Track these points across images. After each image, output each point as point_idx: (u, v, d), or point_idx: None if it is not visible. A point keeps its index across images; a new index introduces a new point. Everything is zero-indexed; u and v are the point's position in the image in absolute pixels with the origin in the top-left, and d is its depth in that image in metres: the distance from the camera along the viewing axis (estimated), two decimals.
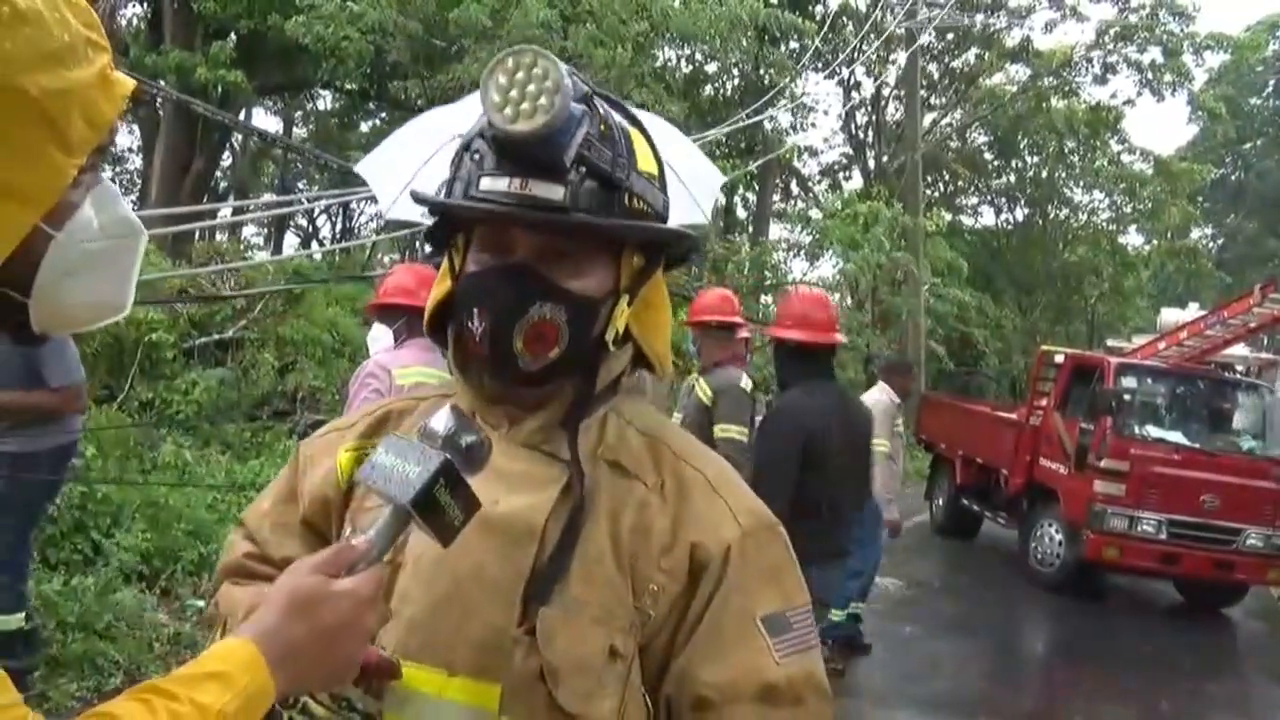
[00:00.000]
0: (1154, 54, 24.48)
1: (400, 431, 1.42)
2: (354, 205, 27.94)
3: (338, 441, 1.47)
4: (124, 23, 16.18)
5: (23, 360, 4.46)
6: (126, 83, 0.99)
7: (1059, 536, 11.02)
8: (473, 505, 1.18)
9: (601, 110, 1.28)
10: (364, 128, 24.70)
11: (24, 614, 4.65)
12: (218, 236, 19.08)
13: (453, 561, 1.28)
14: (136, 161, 25.52)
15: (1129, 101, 25.43)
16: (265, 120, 27.19)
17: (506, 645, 1.26)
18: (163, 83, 13.11)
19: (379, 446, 1.19)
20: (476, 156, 1.28)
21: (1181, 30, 24.20)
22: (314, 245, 27.21)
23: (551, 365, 1.31)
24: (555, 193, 1.23)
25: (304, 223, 29.91)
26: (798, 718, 1.31)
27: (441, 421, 1.21)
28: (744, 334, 6.34)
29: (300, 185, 27.87)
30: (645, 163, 1.32)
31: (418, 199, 1.40)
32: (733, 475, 1.43)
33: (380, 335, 4.62)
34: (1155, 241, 27.49)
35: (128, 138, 25.87)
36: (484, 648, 1.26)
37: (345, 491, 1.43)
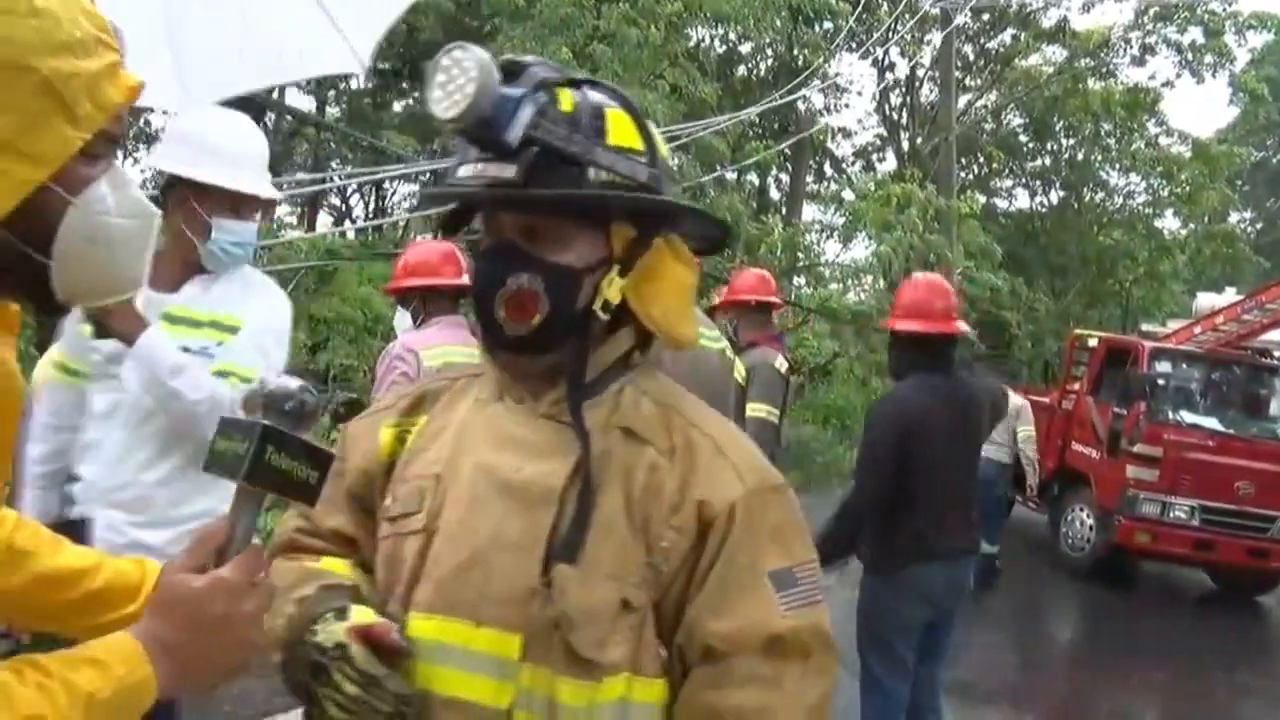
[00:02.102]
0: (1194, 34, 24.13)
1: (436, 411, 1.58)
2: (387, 184, 28.09)
3: (380, 420, 1.60)
4: None
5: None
6: (135, 79, 1.15)
7: (1090, 522, 10.95)
8: (323, 458, 1.25)
9: (555, 93, 1.40)
10: (397, 107, 24.74)
11: None
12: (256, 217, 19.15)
13: (478, 525, 1.42)
14: None
15: (1168, 83, 25.09)
16: (299, 100, 27.28)
17: (526, 598, 1.37)
18: None
19: (214, 433, 1.25)
20: (458, 147, 1.45)
21: (1223, 9, 23.84)
22: (346, 224, 27.31)
23: (537, 332, 1.42)
24: (507, 171, 1.37)
25: (337, 202, 30.04)
26: (805, 669, 1.40)
27: (262, 389, 1.25)
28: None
29: (334, 165, 27.96)
30: (619, 137, 1.43)
31: (427, 195, 1.58)
32: (739, 438, 1.52)
33: (406, 317, 4.57)
34: (1192, 225, 27.15)
35: (161, 118, 26.04)
36: (507, 602, 1.38)
37: (386, 466, 1.55)
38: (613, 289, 1.44)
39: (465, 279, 4.43)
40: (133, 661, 1.10)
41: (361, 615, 1.40)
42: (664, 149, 1.51)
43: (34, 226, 1.08)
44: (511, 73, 1.40)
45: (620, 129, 1.44)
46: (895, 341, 4.57)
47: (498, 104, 1.35)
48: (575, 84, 1.44)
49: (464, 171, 1.42)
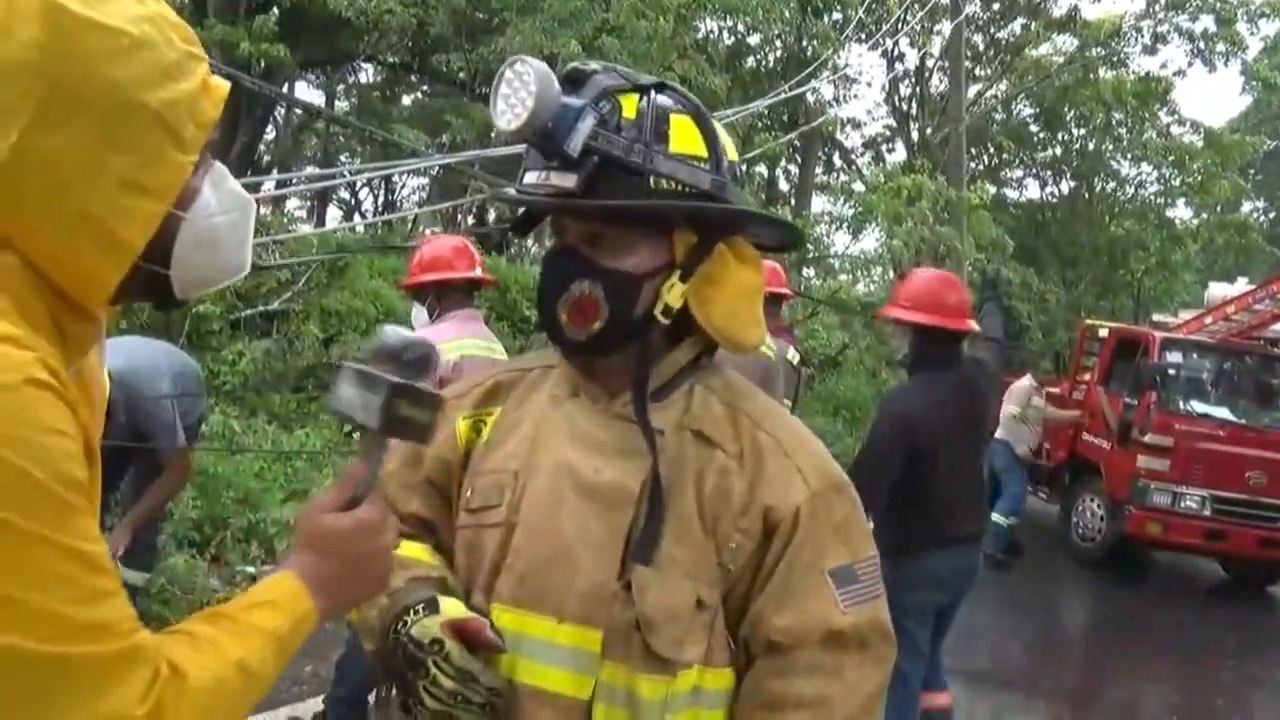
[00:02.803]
0: (1206, 22, 23.99)
1: (510, 403, 1.63)
2: (396, 178, 28.09)
3: (454, 409, 1.63)
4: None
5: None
6: (222, 85, 1.16)
7: (1101, 512, 10.95)
8: (437, 403, 1.31)
9: (618, 101, 1.43)
10: (406, 101, 24.74)
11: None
12: (261, 210, 19.22)
13: (560, 523, 1.48)
14: None
15: (1179, 72, 24.95)
16: (308, 94, 27.31)
17: (607, 598, 1.43)
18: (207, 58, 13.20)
19: (340, 379, 1.31)
20: (529, 155, 1.49)
21: None
22: (355, 218, 27.32)
23: (598, 336, 1.47)
24: (568, 180, 1.41)
25: (346, 196, 30.07)
26: (863, 659, 1.47)
27: (384, 342, 1.30)
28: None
29: (343, 159, 27.98)
30: (682, 144, 1.46)
31: (498, 198, 1.63)
32: (804, 438, 1.57)
33: (422, 312, 4.59)
34: (1204, 215, 27.00)
35: None
36: (588, 599, 1.44)
37: (464, 455, 1.61)
38: (673, 294, 1.48)
39: (478, 272, 4.47)
40: (297, 597, 1.20)
41: (453, 609, 1.46)
42: (732, 153, 1.54)
43: (154, 245, 1.12)
44: (576, 81, 1.45)
45: (684, 135, 1.47)
46: (903, 331, 4.54)
47: (558, 115, 1.39)
48: (642, 90, 1.47)
49: (529, 179, 1.47)
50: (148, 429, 4.69)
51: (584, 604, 1.44)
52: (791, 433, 1.55)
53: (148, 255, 1.12)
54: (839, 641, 1.45)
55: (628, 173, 1.42)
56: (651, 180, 1.43)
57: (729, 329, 1.51)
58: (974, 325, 4.62)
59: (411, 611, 1.44)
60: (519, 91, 1.40)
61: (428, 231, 20.92)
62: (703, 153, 1.47)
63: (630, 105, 1.44)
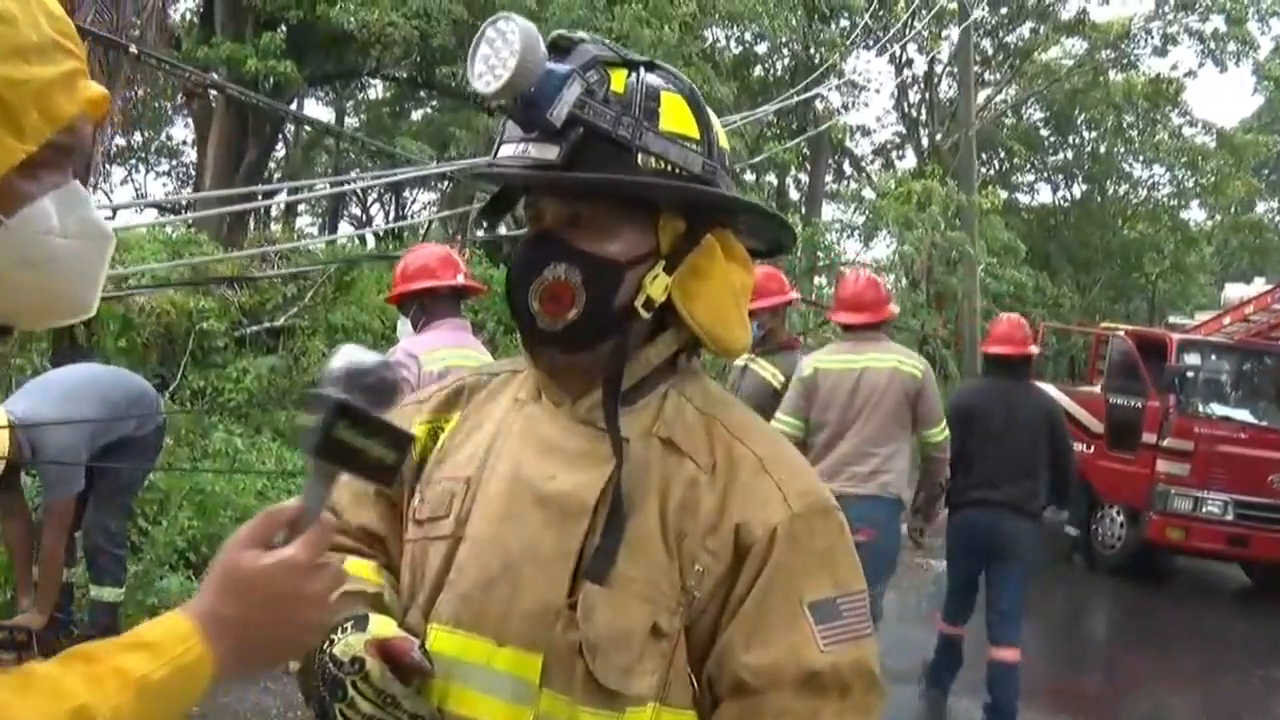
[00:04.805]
0: (1216, 22, 23.88)
1: (471, 407, 1.49)
2: (407, 193, 28.14)
3: (412, 414, 1.48)
4: (176, 17, 16.32)
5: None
6: (96, 93, 1.06)
7: (1121, 518, 10.80)
8: (402, 439, 1.19)
9: (606, 73, 1.30)
10: (415, 115, 24.78)
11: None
12: (272, 227, 19.23)
13: (507, 536, 1.33)
14: (191, 155, 25.80)
15: (1190, 73, 24.88)
16: (317, 110, 27.40)
17: (551, 619, 1.28)
18: (214, 75, 13.20)
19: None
20: (502, 126, 1.35)
21: None
22: (366, 230, 27.39)
23: (572, 326, 1.32)
24: (549, 152, 1.28)
25: (357, 211, 30.14)
26: (844, 708, 1.29)
27: (339, 362, 1.18)
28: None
29: (354, 174, 28.06)
30: (673, 123, 1.33)
31: (470, 175, 1.48)
32: (787, 453, 1.41)
33: (407, 324, 4.49)
34: (1218, 216, 26.88)
35: (183, 130, 26.21)
36: (531, 620, 1.29)
37: (418, 464, 1.45)
38: (656, 286, 1.34)
39: (463, 279, 4.38)
40: (188, 640, 1.04)
41: (381, 627, 1.32)
42: (724, 140, 1.41)
43: None
44: (562, 49, 1.31)
45: (675, 114, 1.34)
46: (984, 357, 6.40)
47: (542, 80, 1.26)
48: (632, 65, 1.34)
49: (505, 151, 1.33)
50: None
51: (526, 626, 1.29)
52: (773, 447, 1.39)
53: None
54: (816, 685, 1.27)
55: (615, 148, 1.28)
56: (640, 158, 1.30)
57: (715, 327, 1.36)
58: (1034, 350, 6.29)
59: (338, 629, 1.30)
60: (500, 52, 1.26)
61: (434, 244, 20.92)
62: (695, 134, 1.34)
63: (619, 79, 1.31)
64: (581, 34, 1.34)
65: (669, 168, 1.32)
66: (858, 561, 1.38)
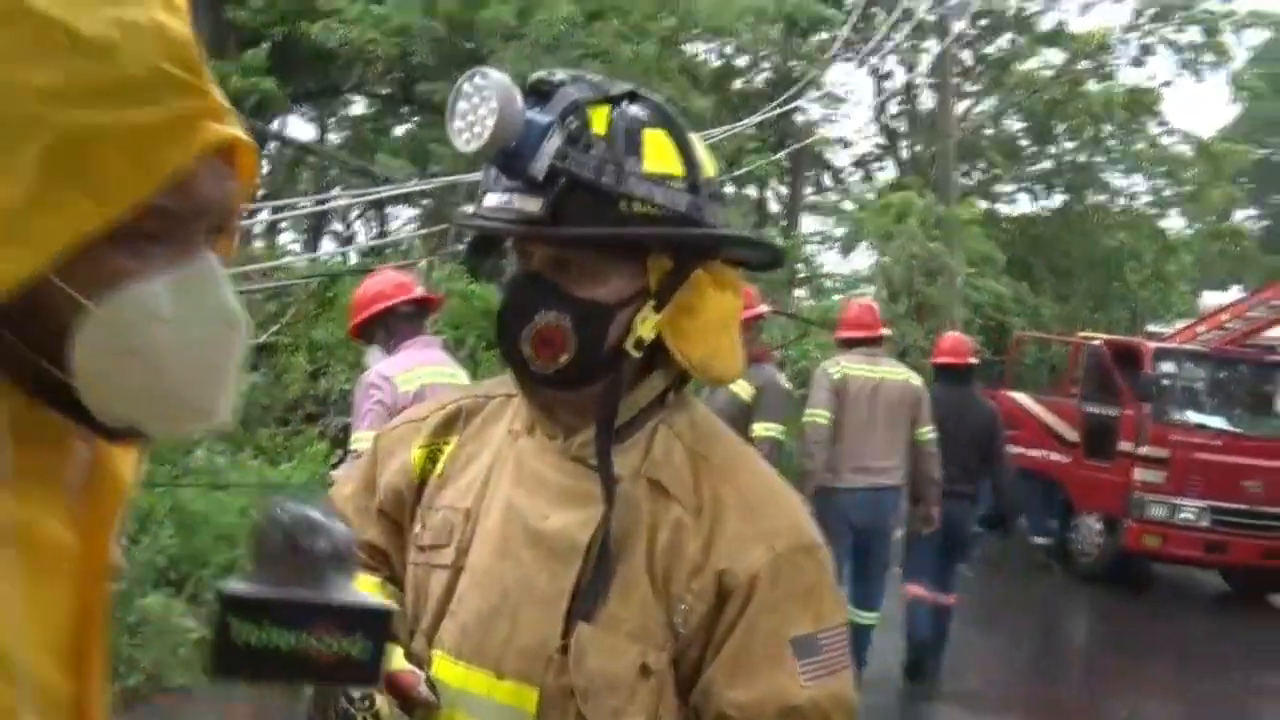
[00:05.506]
0: (1193, 34, 24.07)
1: (469, 433, 1.52)
2: (390, 210, 28.08)
3: (411, 434, 1.54)
4: None
5: None
6: (221, 133, 0.84)
7: (1098, 526, 10.88)
8: (368, 617, 0.96)
9: (587, 115, 1.31)
10: (398, 131, 24.78)
11: None
12: (255, 244, 19.19)
13: (505, 572, 1.38)
14: None
15: (1167, 83, 25.03)
16: (301, 128, 27.36)
17: (546, 657, 1.34)
18: None
19: None
20: (490, 175, 1.37)
21: (1221, 7, 23.80)
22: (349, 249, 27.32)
23: (565, 370, 1.35)
24: (533, 204, 1.30)
25: (340, 228, 30.05)
26: None
27: (261, 531, 1.02)
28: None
29: (336, 190, 28.02)
30: (657, 163, 1.34)
31: (459, 222, 1.51)
32: (774, 492, 1.44)
33: (374, 352, 4.45)
34: (1197, 225, 27.03)
35: None
36: (528, 656, 1.35)
37: (418, 486, 1.51)
38: (646, 326, 1.36)
39: (419, 291, 4.38)
40: None
41: (390, 659, 1.36)
42: (710, 169, 1.42)
43: (36, 332, 0.81)
44: (542, 93, 1.33)
45: (658, 152, 1.35)
46: (935, 367, 7.20)
47: (522, 134, 1.28)
48: (612, 100, 1.35)
49: (490, 201, 1.35)
50: None
51: (523, 661, 1.35)
52: (758, 486, 1.43)
53: (38, 346, 0.82)
54: (797, 718, 1.33)
55: (598, 195, 1.30)
56: (624, 204, 1.31)
57: (707, 363, 1.39)
58: (973, 361, 7.18)
59: None
60: (479, 108, 1.27)
61: (422, 263, 20.92)
62: (678, 171, 1.36)
63: (600, 119, 1.32)
64: (561, 74, 1.36)
65: (654, 210, 1.33)
66: (839, 596, 1.45)
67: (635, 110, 1.35)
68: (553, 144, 1.28)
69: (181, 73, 0.81)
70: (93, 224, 0.78)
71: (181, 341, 0.85)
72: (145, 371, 0.84)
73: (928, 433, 6.18)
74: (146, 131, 0.79)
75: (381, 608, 0.99)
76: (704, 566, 1.35)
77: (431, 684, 1.37)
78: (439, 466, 1.51)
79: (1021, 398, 12.47)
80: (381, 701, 1.33)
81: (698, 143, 1.41)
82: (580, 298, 1.34)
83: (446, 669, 1.39)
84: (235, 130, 0.85)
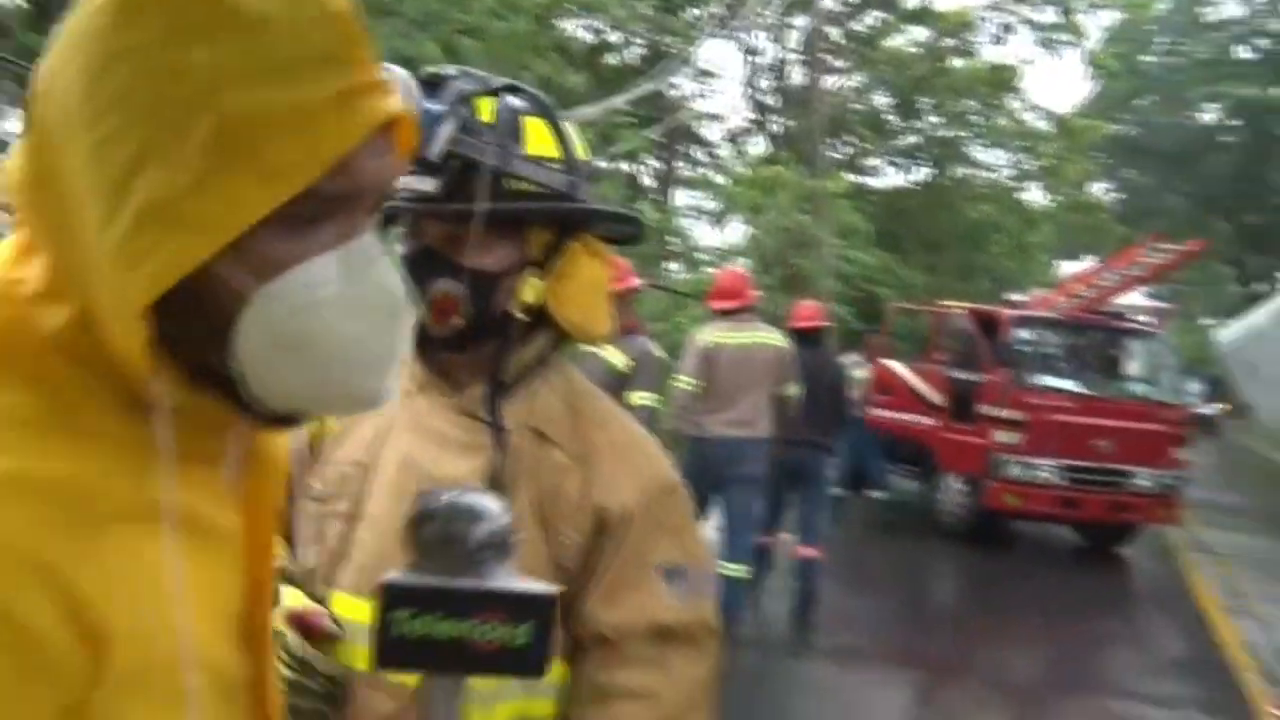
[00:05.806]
0: (1050, 14, 24.89)
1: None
2: None
3: None
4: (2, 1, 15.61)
5: None
6: (383, 110, 0.80)
7: (963, 486, 11.32)
8: (525, 602, 0.95)
9: (474, 104, 1.47)
10: None
11: None
12: None
13: (401, 516, 1.42)
14: None
15: (1028, 61, 25.81)
16: None
17: None
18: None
19: None
20: None
21: None
22: None
23: (460, 333, 1.50)
24: (429, 184, 1.45)
25: None
26: (690, 652, 1.52)
27: (415, 509, 1.10)
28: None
29: None
30: (537, 146, 1.51)
31: None
32: (641, 439, 1.61)
33: None
34: (1056, 197, 27.96)
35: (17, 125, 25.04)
36: None
37: (312, 445, 1.60)
38: (530, 291, 1.51)
39: None
40: None
41: (293, 599, 1.47)
42: (582, 150, 1.58)
43: (202, 322, 0.79)
44: (434, 85, 1.46)
45: (537, 137, 1.51)
46: (791, 331, 7.53)
47: (420, 121, 1.39)
48: (495, 92, 1.50)
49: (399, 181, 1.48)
50: None
51: None
52: (627, 434, 1.60)
53: (203, 335, 0.80)
54: (666, 635, 1.49)
55: (487, 175, 1.45)
56: (509, 183, 1.47)
57: (583, 323, 1.56)
58: (822, 324, 7.94)
59: None
60: None
61: None
62: (556, 153, 1.52)
63: (485, 108, 1.48)
64: (450, 69, 1.51)
65: (535, 188, 1.50)
66: (702, 537, 1.64)
67: (516, 101, 1.52)
68: (446, 130, 1.42)
69: (344, 47, 0.78)
70: (261, 209, 0.75)
71: (346, 327, 0.81)
72: (310, 359, 0.81)
73: (795, 389, 6.74)
74: (313, 110, 0.75)
75: (545, 594, 0.97)
76: (583, 505, 1.50)
77: (335, 618, 1.47)
78: (331, 426, 1.63)
79: (895, 365, 12.92)
80: (289, 635, 1.42)
81: (571, 128, 1.57)
82: (471, 268, 1.48)
83: (346, 606, 1.49)
84: (398, 105, 0.82)
